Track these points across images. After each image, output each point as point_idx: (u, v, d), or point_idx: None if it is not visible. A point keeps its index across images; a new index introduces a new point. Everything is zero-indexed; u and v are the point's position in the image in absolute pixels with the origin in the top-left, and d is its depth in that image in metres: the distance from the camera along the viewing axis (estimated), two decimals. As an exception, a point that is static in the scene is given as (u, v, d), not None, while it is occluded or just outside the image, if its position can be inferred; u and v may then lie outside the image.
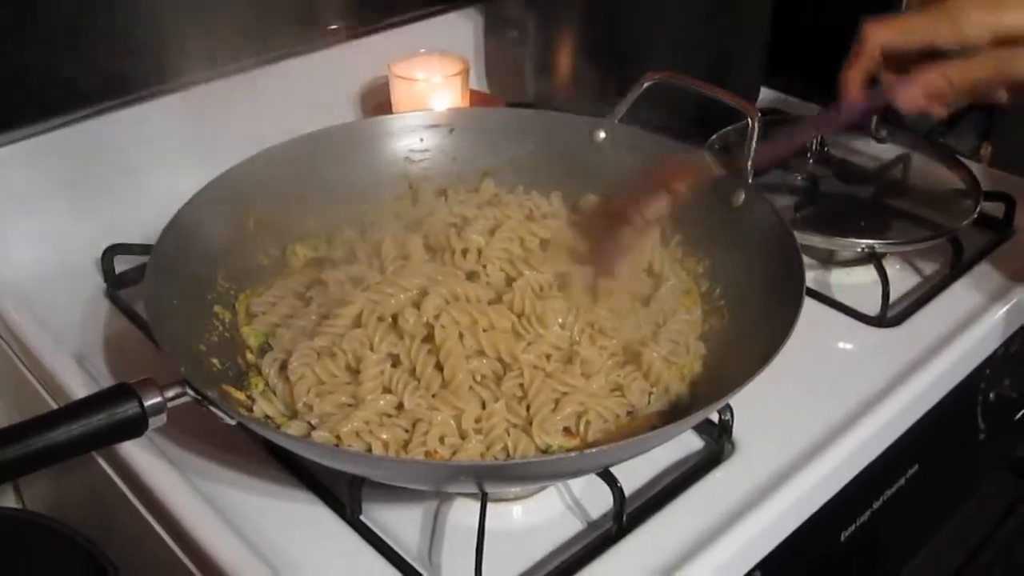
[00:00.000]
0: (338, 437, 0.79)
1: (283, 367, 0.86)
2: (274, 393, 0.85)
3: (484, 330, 0.86)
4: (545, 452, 0.80)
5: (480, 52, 1.40)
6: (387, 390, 0.83)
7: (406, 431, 0.80)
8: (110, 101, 1.09)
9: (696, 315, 0.95)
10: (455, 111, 1.14)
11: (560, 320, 0.88)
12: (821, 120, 1.04)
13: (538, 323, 0.87)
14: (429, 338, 0.85)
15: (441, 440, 0.79)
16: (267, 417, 0.84)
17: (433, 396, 0.82)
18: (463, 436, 0.80)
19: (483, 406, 0.82)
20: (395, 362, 0.86)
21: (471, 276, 0.94)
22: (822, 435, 0.89)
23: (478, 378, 0.84)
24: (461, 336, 0.85)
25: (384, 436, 0.79)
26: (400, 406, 0.82)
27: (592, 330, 0.88)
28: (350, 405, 0.82)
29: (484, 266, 0.94)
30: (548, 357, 0.86)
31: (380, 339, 0.86)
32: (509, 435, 0.80)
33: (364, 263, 0.95)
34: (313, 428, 0.81)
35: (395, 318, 0.88)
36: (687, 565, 0.77)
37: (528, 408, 0.82)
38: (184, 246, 0.90)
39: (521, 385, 0.83)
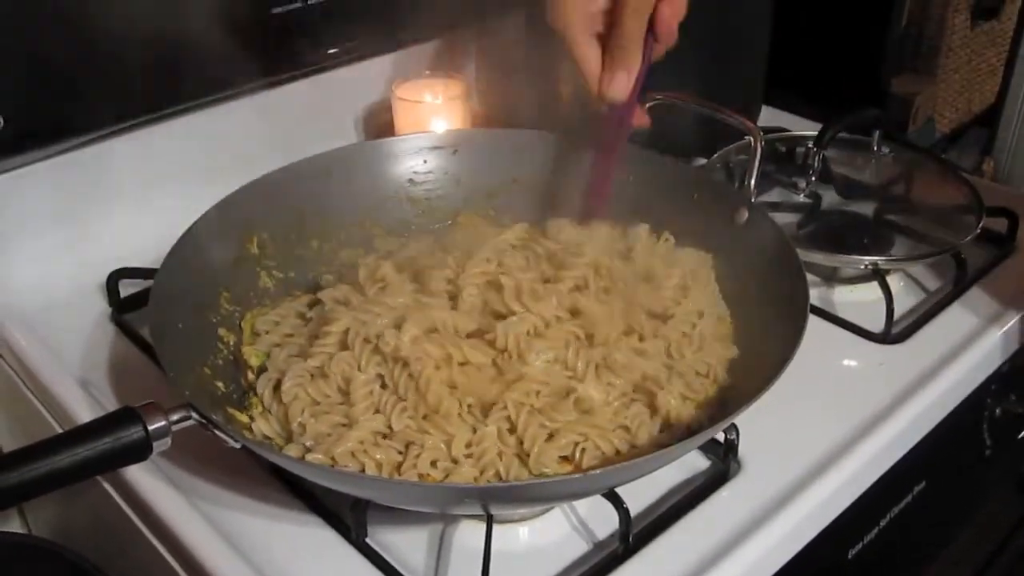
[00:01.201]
0: (333, 459, 0.79)
1: (277, 387, 0.86)
2: (270, 413, 0.85)
3: (460, 363, 0.85)
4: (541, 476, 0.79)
5: (482, 74, 1.41)
6: (379, 410, 0.83)
7: (400, 453, 0.80)
8: (114, 126, 1.10)
9: (730, 349, 0.92)
10: (458, 132, 1.14)
11: (549, 357, 0.86)
12: (619, 118, 0.97)
13: (519, 361, 0.85)
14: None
15: (433, 464, 0.79)
16: (266, 438, 0.84)
17: (424, 418, 0.81)
18: (455, 461, 0.79)
19: (475, 430, 0.81)
20: (384, 383, 0.85)
21: (455, 300, 0.92)
22: (828, 453, 0.89)
23: (464, 407, 0.83)
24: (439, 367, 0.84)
25: (378, 456, 0.79)
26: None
27: (603, 364, 0.86)
28: (344, 425, 0.82)
29: (459, 292, 0.92)
30: (537, 393, 0.83)
31: (367, 360, 0.85)
32: (501, 460, 0.79)
33: (349, 284, 0.96)
34: (308, 450, 0.80)
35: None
36: (694, 585, 0.76)
37: (521, 441, 0.81)
38: (188, 269, 0.90)
39: (509, 418, 0.82)
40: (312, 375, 0.86)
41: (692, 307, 0.93)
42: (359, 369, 0.85)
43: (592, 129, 1.00)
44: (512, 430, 0.81)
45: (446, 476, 0.79)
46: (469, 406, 0.83)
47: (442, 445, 0.80)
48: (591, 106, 0.95)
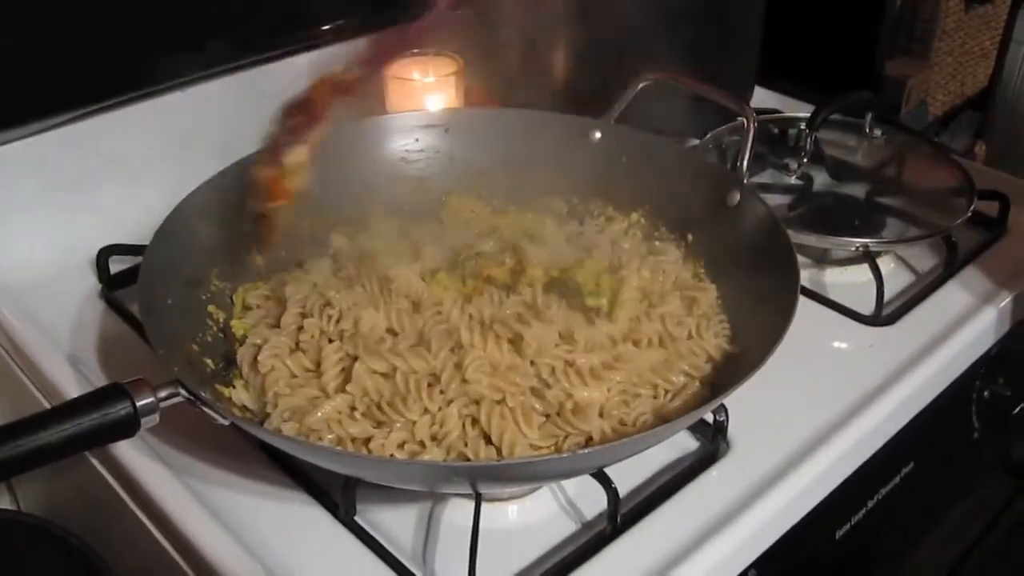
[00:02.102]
0: (309, 429, 0.79)
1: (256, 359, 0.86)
2: (249, 384, 0.85)
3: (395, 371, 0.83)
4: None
5: (475, 52, 1.40)
6: (347, 391, 0.82)
7: (374, 427, 0.80)
8: (105, 101, 1.09)
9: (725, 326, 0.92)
10: (450, 111, 1.14)
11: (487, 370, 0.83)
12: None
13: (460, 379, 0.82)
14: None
15: (401, 446, 0.78)
16: (244, 407, 0.84)
17: (388, 404, 0.80)
18: (421, 444, 0.78)
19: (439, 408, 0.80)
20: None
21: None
22: (817, 434, 0.89)
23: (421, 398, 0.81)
24: None
25: (352, 430, 0.79)
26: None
27: (601, 367, 0.84)
28: (318, 397, 0.82)
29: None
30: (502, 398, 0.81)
31: (333, 328, 0.86)
32: (467, 446, 0.78)
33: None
34: (285, 421, 0.80)
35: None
36: (682, 565, 0.77)
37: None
38: (178, 246, 0.90)
39: (477, 403, 0.81)
40: (291, 348, 0.86)
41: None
42: (327, 336, 0.86)
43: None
44: (476, 421, 0.80)
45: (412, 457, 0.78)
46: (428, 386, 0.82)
47: (411, 427, 0.79)
48: None
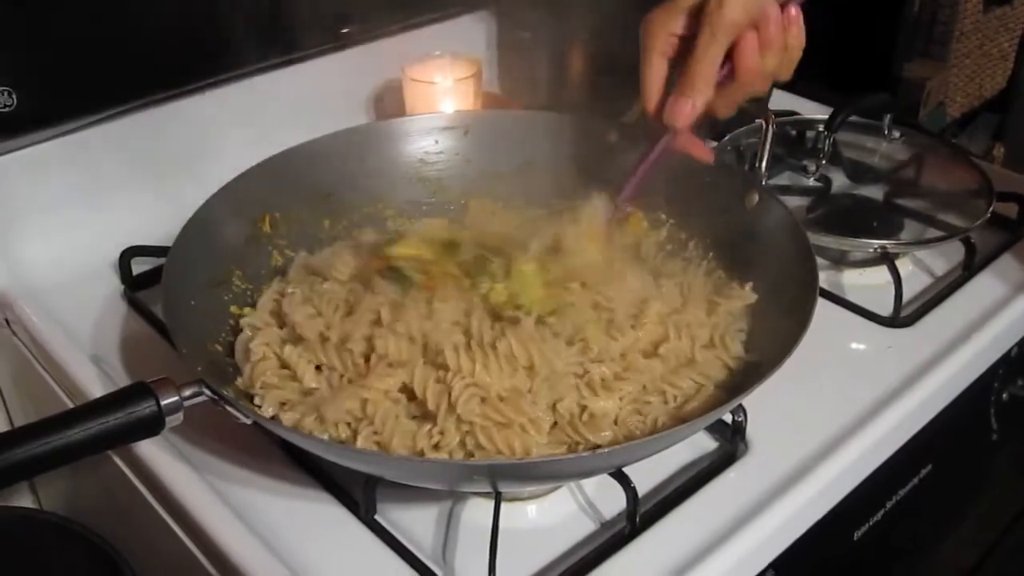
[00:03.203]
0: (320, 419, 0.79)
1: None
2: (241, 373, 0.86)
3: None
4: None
5: (493, 55, 1.41)
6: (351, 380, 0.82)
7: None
8: (126, 104, 1.10)
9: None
10: (470, 113, 1.15)
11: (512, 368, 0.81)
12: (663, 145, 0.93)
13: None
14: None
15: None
16: (245, 396, 0.83)
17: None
18: (421, 452, 0.77)
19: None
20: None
21: None
22: (835, 435, 0.89)
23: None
24: None
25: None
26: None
27: (612, 378, 0.84)
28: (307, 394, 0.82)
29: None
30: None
31: (317, 295, 0.88)
32: (475, 456, 0.77)
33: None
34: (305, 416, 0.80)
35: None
36: (700, 565, 0.77)
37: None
38: (201, 247, 0.90)
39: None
40: (284, 340, 0.86)
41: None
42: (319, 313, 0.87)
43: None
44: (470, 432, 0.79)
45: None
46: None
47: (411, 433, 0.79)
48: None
